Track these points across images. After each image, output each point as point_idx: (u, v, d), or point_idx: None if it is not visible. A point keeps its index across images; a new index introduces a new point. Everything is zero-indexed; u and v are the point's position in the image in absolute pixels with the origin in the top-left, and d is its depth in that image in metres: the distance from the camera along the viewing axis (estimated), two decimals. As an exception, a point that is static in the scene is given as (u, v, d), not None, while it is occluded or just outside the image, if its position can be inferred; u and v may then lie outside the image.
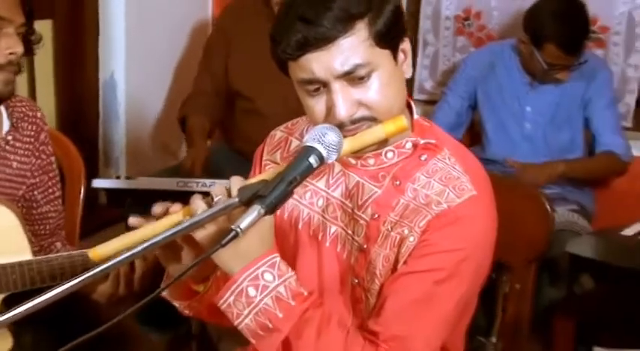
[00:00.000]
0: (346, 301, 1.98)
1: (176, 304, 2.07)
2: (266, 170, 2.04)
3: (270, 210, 1.68)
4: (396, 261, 1.90)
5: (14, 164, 2.58)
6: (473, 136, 4.26)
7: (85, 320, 2.12)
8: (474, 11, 4.50)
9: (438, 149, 1.96)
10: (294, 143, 2.12)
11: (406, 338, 1.85)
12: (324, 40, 1.78)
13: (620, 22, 4.23)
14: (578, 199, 3.91)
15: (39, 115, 2.68)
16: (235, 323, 1.81)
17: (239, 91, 4.12)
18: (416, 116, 1.97)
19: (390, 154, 1.94)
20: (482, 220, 1.91)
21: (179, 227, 1.72)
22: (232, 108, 4.19)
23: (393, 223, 1.91)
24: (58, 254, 2.41)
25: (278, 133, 2.19)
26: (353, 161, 1.95)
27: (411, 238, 1.87)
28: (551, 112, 4.00)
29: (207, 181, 3.47)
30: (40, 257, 2.41)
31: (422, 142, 1.95)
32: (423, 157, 1.94)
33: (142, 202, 3.50)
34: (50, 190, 2.70)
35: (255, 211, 1.65)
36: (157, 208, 1.87)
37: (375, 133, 1.85)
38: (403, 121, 1.86)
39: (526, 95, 4.01)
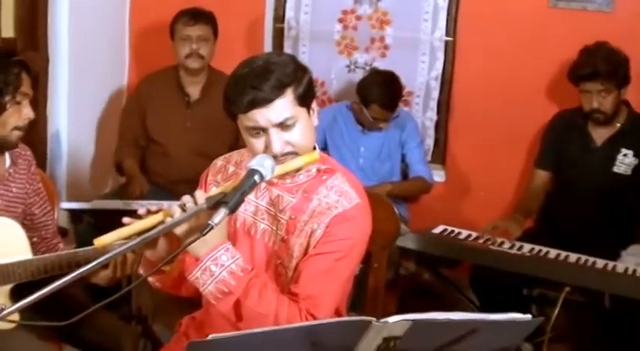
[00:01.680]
0: (271, 276, 2.09)
1: (150, 279, 2.15)
2: (210, 189, 2.15)
3: (232, 211, 1.82)
4: (308, 246, 2.06)
5: (14, 190, 2.64)
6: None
7: (64, 306, 2.24)
8: (320, 81, 4.59)
9: (333, 172, 2.14)
10: (231, 169, 2.22)
11: (317, 297, 2.00)
12: (265, 101, 1.96)
13: (421, 89, 4.45)
14: (399, 211, 3.84)
15: (29, 153, 2.75)
16: (201, 290, 1.95)
17: (154, 139, 4.17)
18: (317, 153, 2.09)
19: (301, 176, 2.11)
20: (364, 218, 2.12)
21: (167, 224, 1.83)
22: (148, 152, 4.22)
23: (305, 221, 2.07)
24: (63, 252, 2.50)
25: (219, 162, 2.28)
26: (275, 180, 2.08)
27: (319, 231, 2.06)
28: (378, 151, 4.14)
29: (144, 202, 3.49)
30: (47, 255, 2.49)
31: (323, 167, 2.14)
32: (324, 177, 2.13)
33: (95, 218, 3.67)
34: (44, 206, 2.77)
35: (222, 212, 1.79)
36: (142, 210, 1.94)
37: (297, 163, 2.03)
38: (316, 155, 2.06)
39: (360, 139, 4.15)
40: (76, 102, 4.38)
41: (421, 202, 4.41)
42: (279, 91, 1.98)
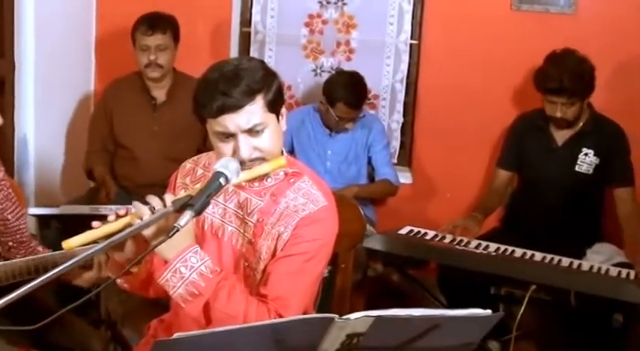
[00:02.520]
0: (239, 278, 2.09)
1: (118, 280, 2.10)
2: (179, 191, 2.15)
3: (198, 213, 1.82)
4: (275, 249, 2.07)
5: None
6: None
7: (33, 310, 2.18)
8: (287, 85, 4.58)
9: (301, 175, 2.15)
10: (199, 172, 2.23)
11: (286, 298, 2.01)
12: (235, 107, 1.96)
13: (386, 92, 4.50)
14: (366, 213, 3.82)
15: None
16: (170, 292, 1.94)
17: (122, 143, 4.16)
18: (284, 158, 2.09)
19: (269, 180, 2.12)
20: (331, 220, 2.13)
21: (135, 226, 1.83)
22: (116, 156, 4.22)
23: (272, 224, 2.08)
24: (30, 257, 2.50)
25: (188, 165, 2.28)
26: (243, 184, 2.09)
27: (286, 234, 2.06)
28: (345, 154, 4.17)
29: (112, 207, 3.42)
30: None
31: (290, 171, 2.14)
32: (291, 180, 2.13)
33: (62, 224, 3.66)
34: (17, 211, 2.73)
35: (188, 214, 1.80)
36: (111, 217, 1.92)
37: (264, 168, 2.04)
38: (282, 161, 2.06)
39: (327, 143, 4.18)
40: (43, 108, 4.36)
41: (388, 204, 4.44)
42: (249, 97, 1.99)
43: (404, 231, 3.59)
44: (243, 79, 1.99)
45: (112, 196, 3.95)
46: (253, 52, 4.64)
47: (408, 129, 4.56)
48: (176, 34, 4.12)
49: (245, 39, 4.70)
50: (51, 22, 4.37)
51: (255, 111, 2.00)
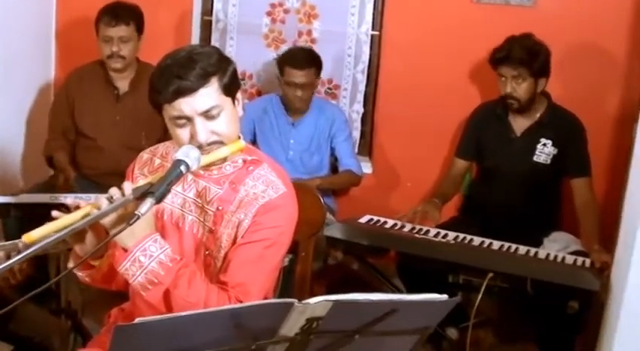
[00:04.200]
0: (200, 266, 2.11)
1: (79, 273, 2.15)
2: (136, 182, 2.08)
3: (158, 201, 1.84)
4: (236, 237, 2.10)
5: None
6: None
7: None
8: (248, 74, 4.66)
9: (260, 163, 2.18)
10: (157, 162, 2.25)
11: (246, 284, 2.04)
12: (190, 90, 1.99)
13: (347, 82, 4.51)
14: (326, 202, 3.83)
15: None
16: (130, 281, 1.96)
17: (84, 133, 4.15)
18: (243, 142, 2.13)
19: (228, 167, 2.15)
20: (291, 207, 2.17)
21: (93, 215, 1.84)
22: (78, 145, 4.20)
23: (232, 212, 2.11)
24: None
25: (145, 155, 2.30)
26: (202, 172, 2.11)
27: (246, 221, 2.09)
28: (307, 143, 4.20)
29: (72, 195, 3.39)
30: None
31: (249, 158, 2.17)
32: (250, 168, 2.16)
33: (22, 212, 3.63)
34: None
35: (149, 202, 1.82)
36: (72, 204, 1.93)
37: (222, 152, 2.05)
38: (241, 144, 2.10)
39: (289, 132, 4.20)
40: (2, 95, 4.34)
41: (349, 194, 4.48)
42: (204, 80, 2.01)
43: (364, 219, 3.62)
44: (197, 63, 2.01)
45: (70, 182, 3.93)
46: (214, 41, 4.64)
47: (368, 119, 4.59)
48: (140, 25, 4.10)
49: (206, 28, 4.70)
50: (10, 9, 4.34)
51: (210, 94, 2.02)
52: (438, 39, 4.30)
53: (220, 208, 2.12)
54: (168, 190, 1.88)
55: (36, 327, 2.79)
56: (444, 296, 1.66)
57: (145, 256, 1.94)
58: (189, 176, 2.13)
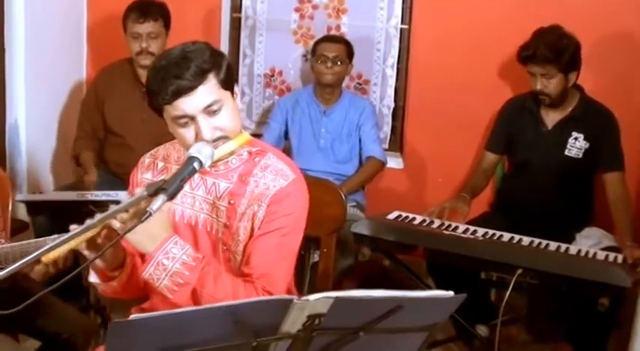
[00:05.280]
0: (219, 262, 2.12)
1: (100, 286, 2.13)
2: (142, 186, 2.07)
3: (170, 197, 1.83)
4: (252, 229, 2.10)
5: None
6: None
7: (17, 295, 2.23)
8: (277, 70, 4.65)
9: (265, 153, 2.18)
10: (160, 165, 2.26)
11: (270, 273, 2.06)
12: (189, 88, 1.98)
13: (377, 77, 4.50)
14: (356, 198, 4.08)
15: None
16: (156, 285, 1.96)
17: (113, 130, 4.18)
18: (247, 134, 2.14)
19: (234, 161, 2.15)
20: (302, 192, 2.17)
21: (106, 213, 1.83)
22: (107, 143, 4.24)
23: (245, 205, 2.11)
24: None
25: (146, 160, 2.31)
26: (208, 169, 2.07)
27: (260, 212, 2.09)
28: (338, 132, 4.19)
29: (99, 193, 3.58)
30: None
31: (254, 149, 2.17)
32: (256, 159, 2.16)
33: (52, 211, 3.67)
34: None
35: (161, 198, 1.81)
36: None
37: (230, 146, 2.06)
38: (247, 135, 2.11)
39: (321, 120, 4.21)
40: (34, 95, 4.37)
41: (379, 190, 4.44)
42: (201, 77, 2.00)
43: (392, 216, 3.58)
44: (192, 61, 2.00)
45: (92, 181, 3.94)
46: (244, 38, 4.65)
47: (399, 114, 4.55)
48: (167, 22, 4.13)
49: (235, 25, 4.69)
50: (41, 8, 4.37)
51: (209, 90, 2.02)
52: (468, 31, 4.25)
53: (232, 202, 2.13)
54: (180, 187, 1.87)
55: (63, 323, 2.79)
56: (450, 293, 1.62)
57: (168, 258, 1.94)
58: (196, 175, 2.10)
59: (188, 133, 2.04)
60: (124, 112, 4.16)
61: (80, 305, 3.55)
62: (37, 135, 4.46)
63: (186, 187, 2.11)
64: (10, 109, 4.30)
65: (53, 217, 3.67)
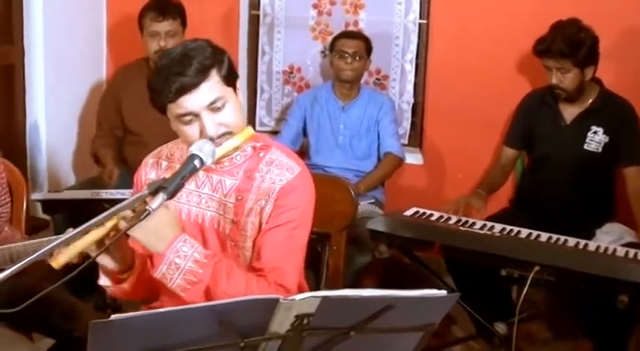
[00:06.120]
0: (229, 259, 2.10)
1: (108, 288, 2.11)
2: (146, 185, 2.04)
3: (170, 196, 1.84)
4: (260, 224, 2.10)
5: None
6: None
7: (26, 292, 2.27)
8: (296, 67, 4.64)
9: (269, 148, 2.19)
10: (164, 164, 2.27)
11: (282, 267, 2.06)
12: (193, 85, 1.98)
13: (396, 72, 4.47)
14: (374, 195, 4.07)
15: None
16: (169, 285, 1.95)
17: (130, 129, 4.20)
18: (251, 129, 2.11)
19: (238, 157, 2.15)
20: (308, 184, 2.17)
21: (108, 212, 1.83)
22: (125, 141, 4.25)
23: (253, 200, 2.11)
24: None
25: (150, 160, 2.32)
26: (213, 166, 2.08)
27: (268, 206, 2.09)
28: (357, 128, 4.17)
29: (113, 191, 3.59)
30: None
31: (258, 144, 2.18)
32: (260, 154, 2.17)
33: (70, 210, 3.69)
34: (2, 197, 2.79)
35: (160, 197, 1.82)
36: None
37: (235, 141, 2.05)
38: (250, 130, 2.09)
39: (339, 117, 4.19)
40: (54, 94, 4.41)
41: (399, 186, 4.42)
42: (203, 74, 2.00)
43: (409, 212, 3.51)
44: (193, 58, 2.00)
45: (113, 178, 3.95)
46: (262, 35, 4.65)
47: (418, 109, 4.52)
48: (184, 20, 4.14)
49: (254, 22, 4.69)
50: (60, 8, 4.40)
51: (212, 86, 2.02)
52: (487, 25, 4.20)
53: (240, 198, 2.13)
54: (181, 185, 1.87)
55: (76, 321, 2.80)
56: (442, 292, 1.58)
57: (179, 257, 1.94)
58: (201, 172, 2.12)
59: (192, 130, 2.04)
60: (140, 110, 4.07)
61: (96, 304, 3.57)
62: (57, 134, 4.50)
63: (192, 186, 2.17)
64: (30, 109, 4.34)
65: (71, 215, 3.69)
